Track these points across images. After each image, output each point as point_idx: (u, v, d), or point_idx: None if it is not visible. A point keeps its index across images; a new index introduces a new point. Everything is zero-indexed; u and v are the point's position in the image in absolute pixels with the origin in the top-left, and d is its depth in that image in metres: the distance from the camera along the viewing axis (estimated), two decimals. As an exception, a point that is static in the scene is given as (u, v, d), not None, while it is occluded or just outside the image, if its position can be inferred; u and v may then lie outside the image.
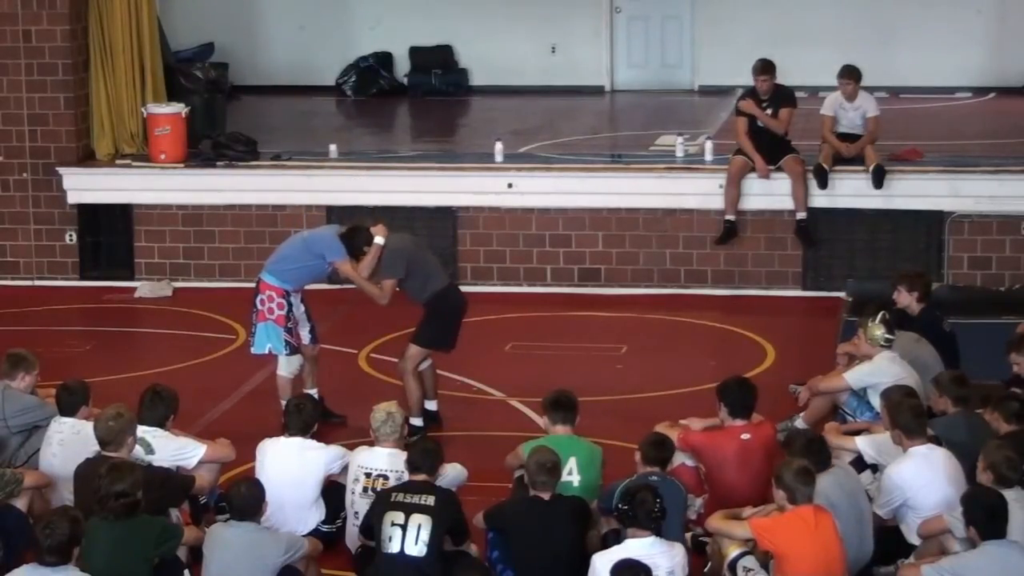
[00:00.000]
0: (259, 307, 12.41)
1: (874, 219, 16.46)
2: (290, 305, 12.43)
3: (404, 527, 9.29)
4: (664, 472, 9.88)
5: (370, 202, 16.84)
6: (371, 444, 10.25)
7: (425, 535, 9.28)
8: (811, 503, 9.01)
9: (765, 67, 16.44)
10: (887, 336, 11.25)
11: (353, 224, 12.78)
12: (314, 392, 12.56)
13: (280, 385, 12.55)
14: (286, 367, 12.54)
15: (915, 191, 16.42)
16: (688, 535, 10.03)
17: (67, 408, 10.58)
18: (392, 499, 9.43)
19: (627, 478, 9.67)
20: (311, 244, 12.47)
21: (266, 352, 12.49)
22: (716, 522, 9.50)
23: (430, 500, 9.38)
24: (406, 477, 9.73)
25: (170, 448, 10.30)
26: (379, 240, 12.28)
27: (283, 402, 12.12)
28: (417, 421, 12.08)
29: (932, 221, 16.35)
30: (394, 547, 9.28)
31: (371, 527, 9.57)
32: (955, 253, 16.29)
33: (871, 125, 16.52)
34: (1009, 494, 8.97)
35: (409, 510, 9.33)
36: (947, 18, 22.89)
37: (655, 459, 9.84)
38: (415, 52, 24.01)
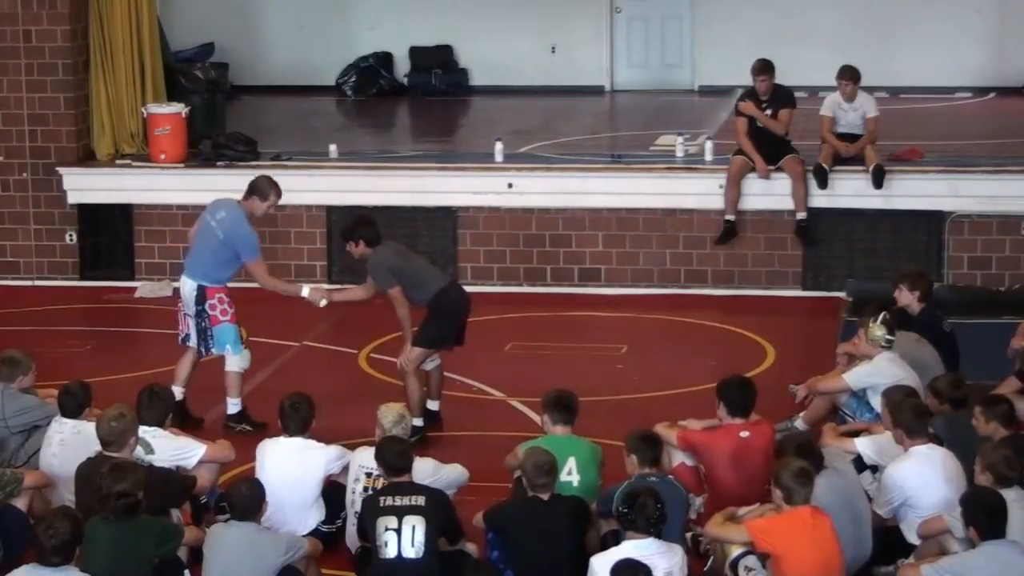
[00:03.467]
0: (210, 312, 12.45)
1: (874, 219, 16.47)
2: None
3: (399, 531, 9.26)
4: (660, 471, 9.86)
5: (370, 202, 16.84)
6: (372, 444, 10.23)
7: (420, 536, 9.25)
8: (808, 504, 9.01)
9: (764, 67, 16.44)
10: (888, 337, 11.24)
11: (364, 217, 12.90)
12: (180, 391, 12.54)
13: (232, 383, 12.52)
14: (239, 363, 12.54)
15: (915, 191, 16.42)
16: (688, 535, 10.03)
17: (70, 411, 10.57)
18: (382, 504, 9.36)
19: (624, 481, 9.65)
20: (228, 241, 12.52)
21: (225, 352, 12.50)
22: (713, 528, 9.49)
23: (420, 500, 9.35)
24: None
25: (170, 448, 10.31)
26: (320, 303, 12.62)
27: (235, 400, 12.45)
28: (418, 421, 12.06)
29: (932, 221, 16.36)
30: (391, 552, 9.24)
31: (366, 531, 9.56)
32: (955, 253, 16.29)
33: (871, 125, 16.52)
34: (1008, 494, 8.97)
35: (401, 513, 9.29)
36: (947, 18, 22.90)
37: (651, 458, 9.79)
38: (415, 52, 24.02)
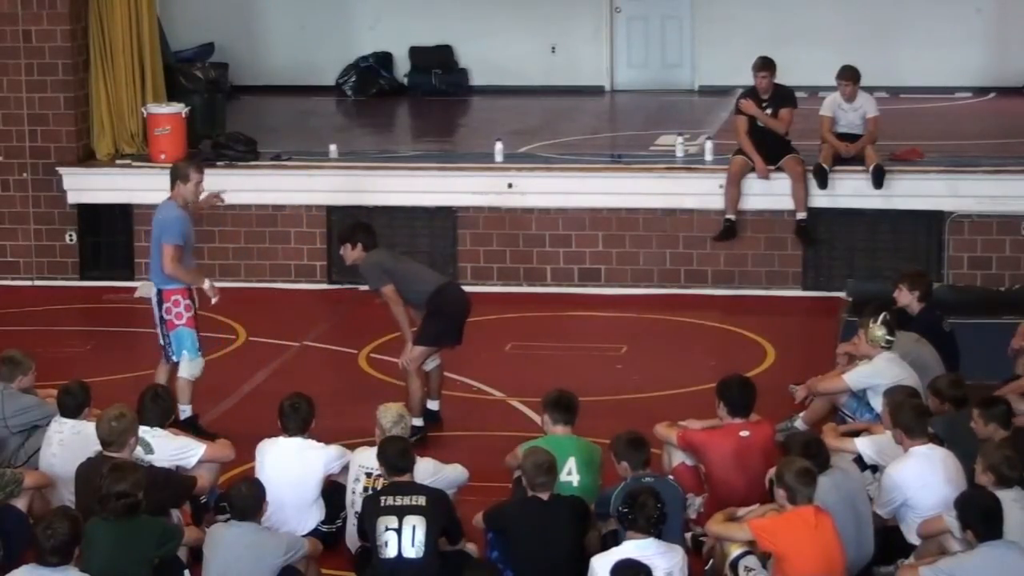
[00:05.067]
0: (166, 316, 12.34)
1: (874, 219, 16.47)
2: (194, 302, 12.42)
3: (399, 531, 9.27)
4: (659, 471, 9.85)
5: (370, 202, 16.84)
6: (372, 444, 10.24)
7: (420, 536, 9.26)
8: (811, 503, 9.01)
9: (765, 64, 16.44)
10: (888, 337, 11.23)
11: (364, 223, 12.86)
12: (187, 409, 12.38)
13: (181, 389, 12.26)
14: (189, 370, 12.35)
15: (915, 191, 16.42)
16: (688, 535, 10.03)
17: (69, 411, 10.58)
18: (383, 503, 9.38)
19: (621, 483, 9.64)
20: (161, 229, 12.45)
21: (181, 358, 12.33)
22: (716, 526, 9.48)
23: (421, 500, 9.36)
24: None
25: (170, 448, 10.31)
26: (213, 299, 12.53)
27: (185, 407, 12.21)
28: (418, 421, 12.06)
29: (932, 221, 16.36)
30: (391, 552, 9.25)
31: (367, 531, 9.56)
32: (955, 253, 16.29)
33: (871, 125, 16.52)
34: (1009, 494, 8.98)
35: (402, 512, 9.30)
36: (947, 18, 22.88)
37: (642, 461, 9.78)
38: (415, 52, 24.01)
